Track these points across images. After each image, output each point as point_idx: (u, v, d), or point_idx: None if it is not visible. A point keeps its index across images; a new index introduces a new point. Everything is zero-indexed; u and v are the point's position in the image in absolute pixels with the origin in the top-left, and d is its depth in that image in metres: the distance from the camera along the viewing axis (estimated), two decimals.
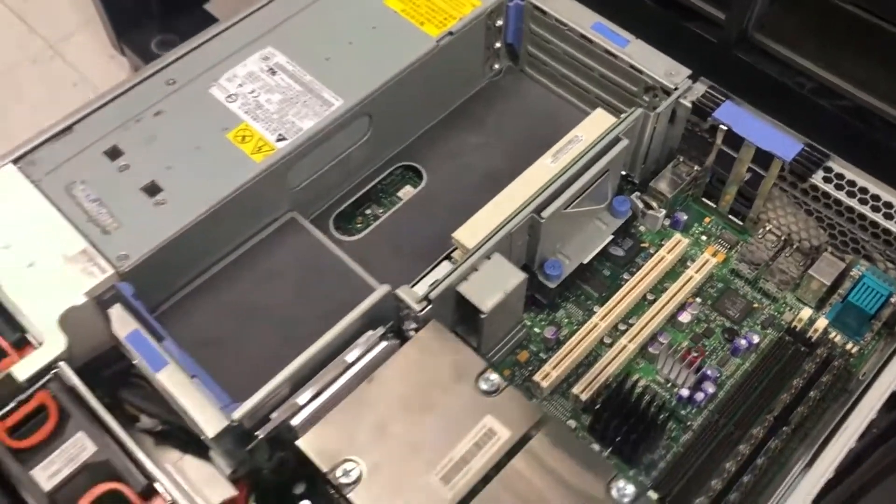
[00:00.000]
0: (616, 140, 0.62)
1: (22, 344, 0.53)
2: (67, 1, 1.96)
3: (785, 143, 0.61)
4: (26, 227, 0.57)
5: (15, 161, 0.60)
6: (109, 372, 0.57)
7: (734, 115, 0.63)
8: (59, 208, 0.57)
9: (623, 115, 0.63)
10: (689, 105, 0.64)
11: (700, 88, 0.65)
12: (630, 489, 0.48)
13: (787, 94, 0.64)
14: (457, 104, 0.74)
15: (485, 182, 0.69)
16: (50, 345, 0.52)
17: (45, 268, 0.55)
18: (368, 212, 0.70)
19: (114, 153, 0.61)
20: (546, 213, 0.58)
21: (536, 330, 0.64)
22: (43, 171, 0.59)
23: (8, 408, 0.50)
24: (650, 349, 0.62)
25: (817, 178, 0.61)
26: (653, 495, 0.54)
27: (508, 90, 0.76)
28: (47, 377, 0.51)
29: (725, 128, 0.63)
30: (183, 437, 0.60)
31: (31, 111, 1.75)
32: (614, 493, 0.48)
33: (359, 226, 0.69)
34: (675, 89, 0.64)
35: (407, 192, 0.71)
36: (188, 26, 1.70)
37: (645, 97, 0.67)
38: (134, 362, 0.54)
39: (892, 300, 0.60)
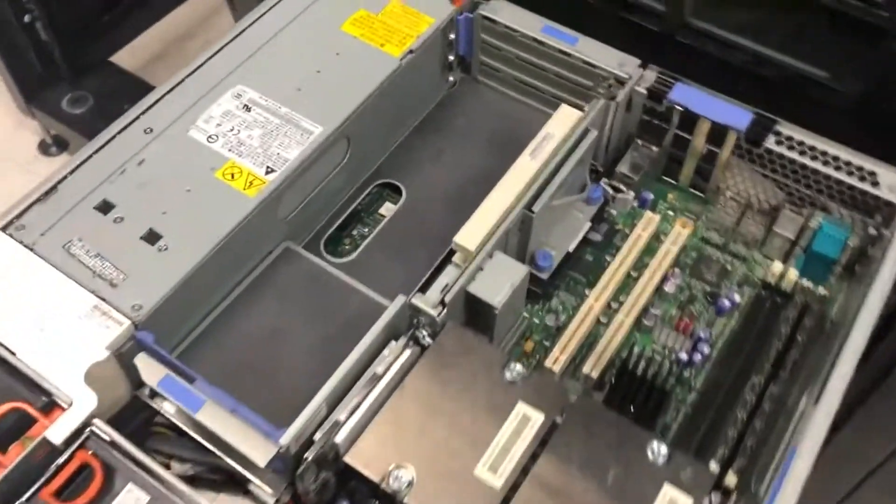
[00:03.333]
0: (585, 131, 0.66)
1: (50, 408, 0.52)
2: None
3: (737, 115, 0.67)
4: (31, 292, 0.56)
5: (3, 228, 0.60)
6: (133, 427, 0.58)
7: (687, 95, 0.68)
8: (61, 269, 0.57)
9: (587, 108, 0.67)
10: (644, 91, 0.69)
11: (651, 75, 0.70)
12: (664, 449, 0.52)
13: (729, 68, 0.70)
14: (421, 118, 0.77)
15: (460, 188, 0.72)
16: (80, 403, 0.52)
17: (59, 329, 0.55)
18: (355, 233, 0.72)
19: (105, 206, 0.61)
20: (537, 207, 0.62)
21: (536, 321, 0.67)
22: (36, 234, 0.59)
23: (49, 473, 0.50)
24: (645, 321, 0.66)
25: (770, 143, 0.66)
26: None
27: (466, 99, 0.79)
28: (84, 436, 0.51)
29: (682, 108, 0.68)
30: (215, 477, 0.60)
31: None
32: (650, 455, 0.52)
33: (347, 247, 0.71)
34: (629, 78, 0.69)
35: (388, 208, 0.73)
36: (96, 82, 1.70)
37: (600, 90, 0.71)
38: (163, 411, 0.55)
39: (850, 243, 0.66)
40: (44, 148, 1.73)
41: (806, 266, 0.68)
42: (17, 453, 0.50)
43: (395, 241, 0.70)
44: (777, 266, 0.68)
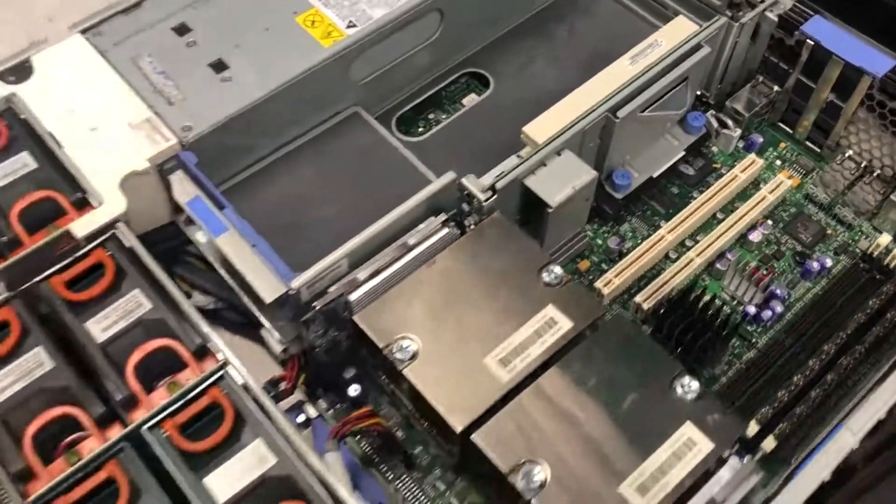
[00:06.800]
0: (697, 47, 0.60)
1: (82, 205, 0.52)
2: None
3: (876, 59, 0.59)
4: (91, 93, 0.56)
5: (84, 31, 0.59)
6: (165, 247, 0.57)
7: (823, 30, 0.60)
8: (126, 78, 0.57)
9: (705, 24, 0.61)
10: (776, 18, 0.62)
11: (788, 2, 0.62)
12: (695, 385, 0.46)
13: (890, 13, 0.61)
14: (530, 14, 0.72)
15: (552, 95, 0.66)
16: (110, 205, 0.51)
17: (109, 133, 0.54)
18: (431, 116, 0.68)
19: (182, 29, 0.60)
20: (622, 113, 0.56)
21: (599, 242, 0.62)
22: (110, 43, 0.59)
23: (65, 262, 0.49)
24: (717, 265, 0.59)
25: None
26: None
27: (583, 4, 0.73)
28: (105, 236, 0.50)
29: (813, 43, 0.60)
30: (235, 317, 0.59)
31: None
32: (678, 389, 0.46)
33: (420, 130, 0.68)
34: (762, 1, 0.62)
35: (472, 99, 0.69)
36: None
37: (728, 12, 0.64)
38: (195, 240, 0.54)
39: None
40: None
41: None
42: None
43: (470, 134, 0.66)
44: (885, 238, 0.60)
